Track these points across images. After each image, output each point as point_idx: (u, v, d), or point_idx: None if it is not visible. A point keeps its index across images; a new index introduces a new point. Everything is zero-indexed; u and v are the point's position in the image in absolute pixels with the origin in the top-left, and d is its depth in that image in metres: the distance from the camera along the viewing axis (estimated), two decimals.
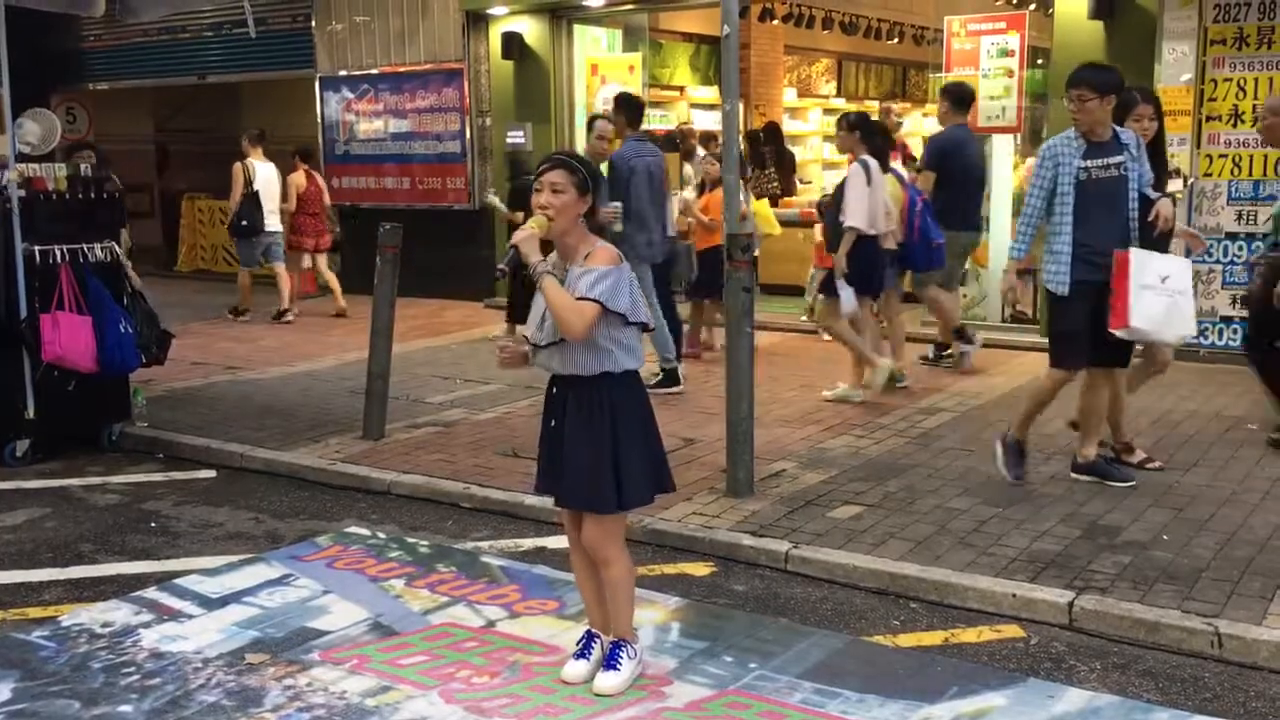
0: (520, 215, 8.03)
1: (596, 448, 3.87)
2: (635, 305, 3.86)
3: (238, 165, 12.03)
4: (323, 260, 12.72)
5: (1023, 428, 6.16)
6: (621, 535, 4.07)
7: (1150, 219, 5.80)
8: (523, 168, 11.44)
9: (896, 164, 7.93)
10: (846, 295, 7.74)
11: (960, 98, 9.13)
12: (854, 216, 7.63)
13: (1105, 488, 5.97)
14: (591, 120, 7.95)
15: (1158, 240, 5.88)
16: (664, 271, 8.69)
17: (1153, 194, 5.91)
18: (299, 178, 12.44)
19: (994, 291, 11.01)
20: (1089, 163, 5.77)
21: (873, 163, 7.64)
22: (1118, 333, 5.77)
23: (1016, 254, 6.12)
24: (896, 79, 20.36)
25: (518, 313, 10.16)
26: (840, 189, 7.87)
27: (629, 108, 8.49)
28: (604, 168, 7.95)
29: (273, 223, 12.07)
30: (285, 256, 12.28)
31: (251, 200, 11.92)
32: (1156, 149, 6.30)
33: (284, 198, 12.30)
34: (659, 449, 4.07)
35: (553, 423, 3.98)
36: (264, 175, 12.06)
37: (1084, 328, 5.84)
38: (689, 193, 10.06)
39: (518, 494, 6.00)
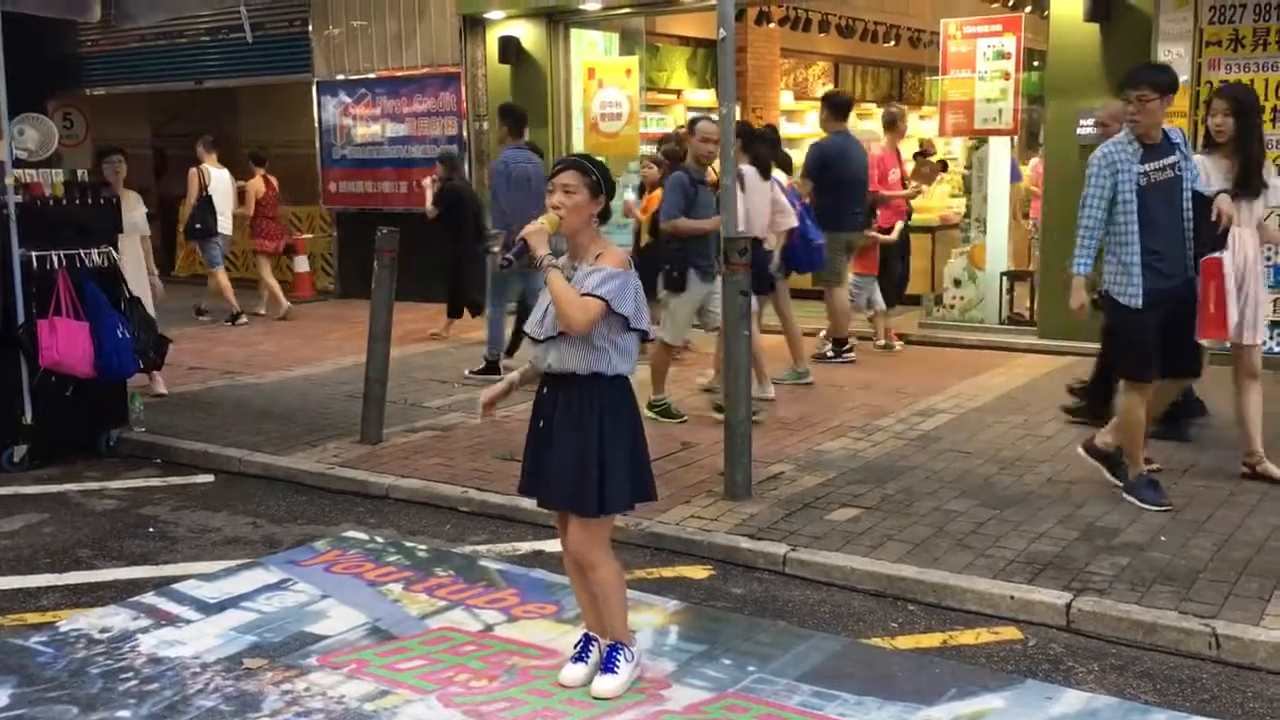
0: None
1: (582, 448, 3.87)
2: (638, 311, 3.88)
3: (193, 170, 12.29)
4: (269, 264, 13.04)
5: (1136, 461, 5.82)
6: (607, 539, 4.07)
7: (1214, 218, 5.63)
8: (456, 170, 11.68)
9: (775, 173, 8.36)
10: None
11: (839, 105, 9.73)
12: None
13: (1103, 489, 5.97)
14: (693, 123, 7.55)
15: (1219, 238, 5.72)
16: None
17: (1208, 190, 5.74)
18: (257, 183, 12.74)
19: (991, 293, 11.04)
20: (1147, 166, 5.56)
21: (749, 170, 7.95)
22: (1207, 341, 5.66)
23: (1083, 269, 5.67)
24: (893, 82, 20.36)
25: (457, 309, 10.92)
26: None
27: (511, 117, 9.20)
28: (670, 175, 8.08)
29: (225, 226, 12.31)
30: (256, 260, 12.74)
31: (205, 204, 12.15)
32: (1241, 147, 6.00)
33: (241, 202, 12.65)
34: (644, 456, 4.06)
35: (541, 423, 4.00)
36: (218, 180, 12.30)
37: (1157, 338, 5.62)
38: (630, 194, 10.29)
39: (515, 497, 5.96)
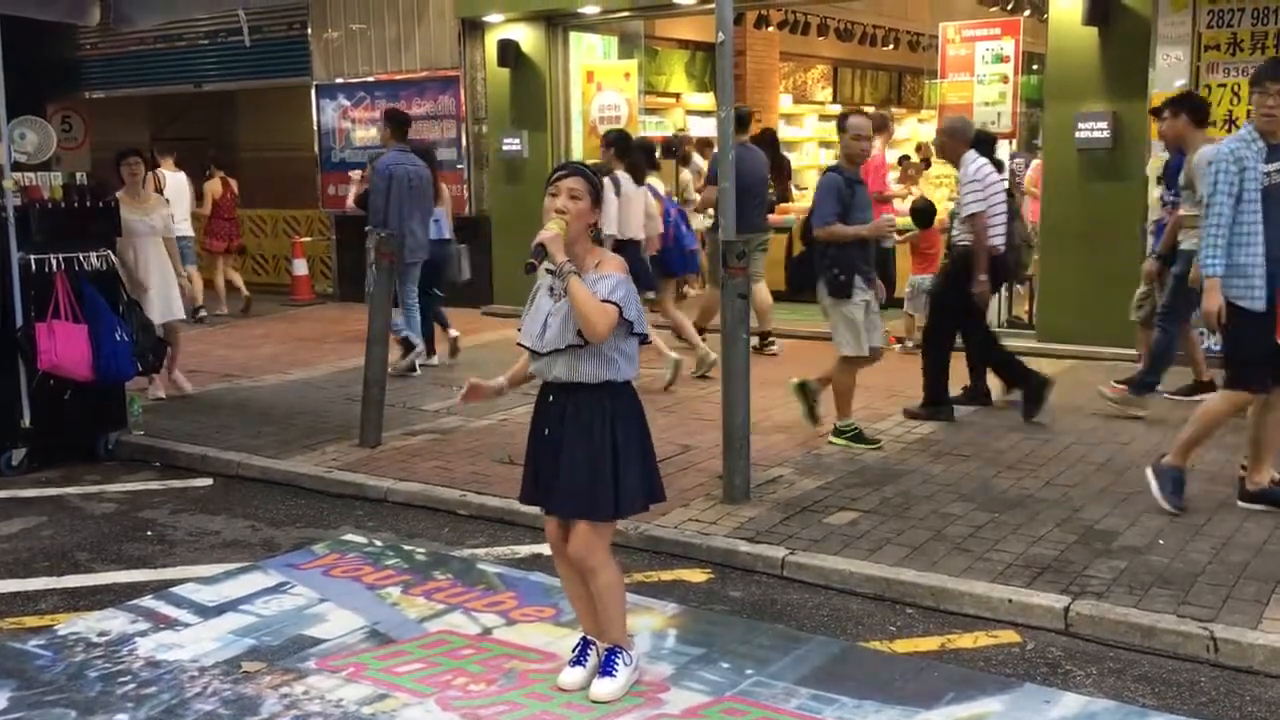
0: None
1: (596, 456, 3.87)
2: (640, 316, 3.89)
3: (150, 175, 12.27)
4: (224, 261, 13.56)
5: (1183, 455, 5.68)
6: (609, 543, 4.07)
7: None
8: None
9: (653, 180, 8.98)
10: None
11: (740, 118, 9.94)
12: (606, 225, 8.41)
13: (1104, 494, 5.98)
14: (843, 119, 7.25)
15: None
16: (432, 271, 9.70)
17: None
18: (215, 185, 13.28)
19: None
20: (1270, 167, 5.36)
21: (623, 176, 8.60)
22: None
23: (1215, 270, 5.38)
24: (892, 85, 20.40)
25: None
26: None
27: (395, 121, 9.58)
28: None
29: (183, 228, 12.38)
30: (199, 260, 13.00)
31: None
32: None
33: (199, 203, 13.19)
34: (653, 459, 4.08)
35: (546, 431, 3.97)
36: (174, 183, 12.50)
37: (1274, 345, 5.43)
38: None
39: (514, 501, 5.94)
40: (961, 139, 7.68)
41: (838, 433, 7.09)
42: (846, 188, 6.86)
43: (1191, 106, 7.56)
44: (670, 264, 9.20)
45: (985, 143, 7.95)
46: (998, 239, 7.55)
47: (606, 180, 8.36)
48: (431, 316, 9.94)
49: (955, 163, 7.76)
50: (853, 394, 7.16)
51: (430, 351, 9.86)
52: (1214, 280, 5.41)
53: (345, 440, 7.36)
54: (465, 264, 10.40)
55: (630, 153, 8.75)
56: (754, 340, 9.73)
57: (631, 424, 3.95)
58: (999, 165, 8.02)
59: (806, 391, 7.41)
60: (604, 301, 3.77)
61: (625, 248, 8.40)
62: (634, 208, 8.70)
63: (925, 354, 7.83)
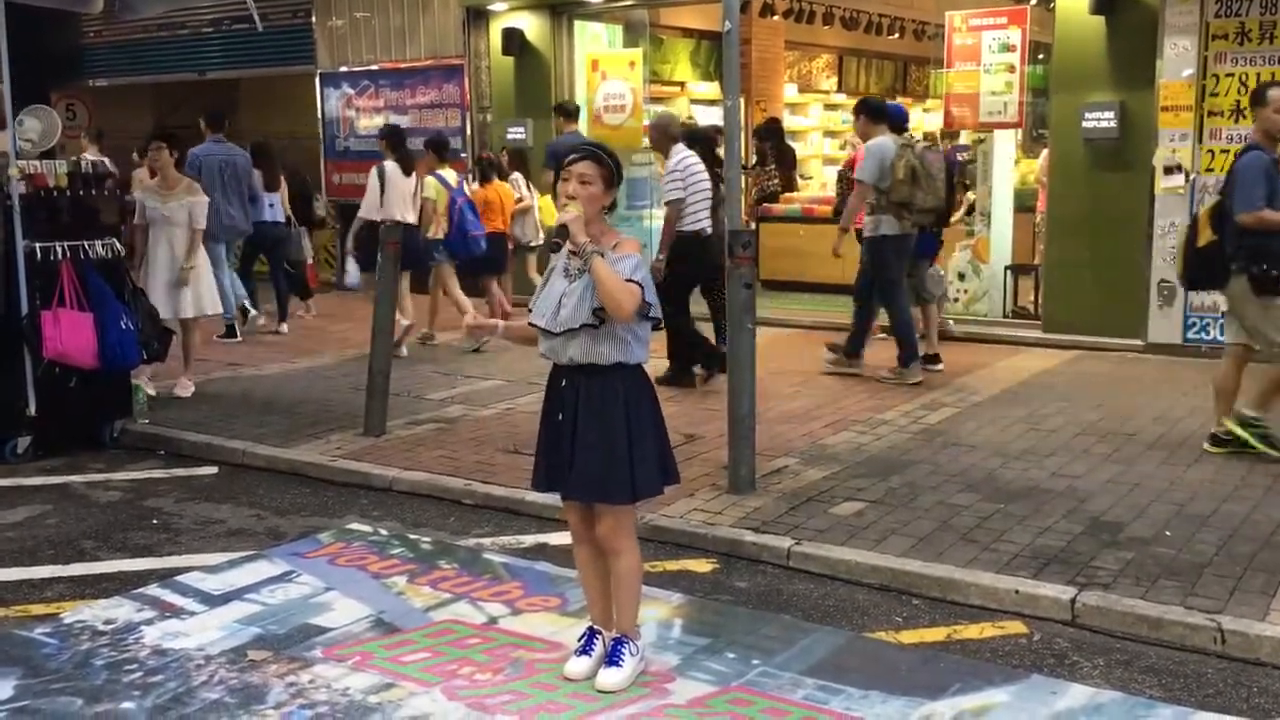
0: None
1: (611, 438, 3.86)
2: (654, 299, 3.88)
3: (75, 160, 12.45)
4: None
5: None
6: (633, 526, 4.09)
7: None
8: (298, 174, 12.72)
9: (443, 171, 10.06)
10: (352, 270, 10.33)
11: (567, 110, 11.39)
12: (365, 209, 9.85)
13: (1111, 484, 5.97)
14: (1261, 91, 6.51)
15: None
16: (272, 250, 11.35)
17: None
18: (143, 172, 12.98)
19: (994, 286, 11.03)
20: None
21: (389, 166, 9.79)
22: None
23: None
24: (898, 74, 20.33)
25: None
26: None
27: (208, 115, 10.82)
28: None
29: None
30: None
31: None
32: None
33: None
34: (666, 441, 4.09)
35: (559, 416, 3.95)
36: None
37: None
38: (475, 185, 11.04)
39: (519, 490, 5.99)
40: (668, 135, 8.51)
41: (1246, 426, 6.38)
42: (1274, 167, 6.19)
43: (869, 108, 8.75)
44: (453, 247, 10.05)
45: (704, 140, 8.91)
46: (703, 223, 8.30)
47: (373, 170, 9.98)
48: (284, 290, 11.37)
49: (665, 155, 8.51)
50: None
51: (281, 318, 11.29)
52: None
53: (350, 429, 7.35)
54: (307, 244, 11.90)
55: (402, 147, 10.03)
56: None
57: (645, 406, 3.96)
58: (718, 161, 8.35)
59: (1252, 425, 6.44)
60: (629, 280, 3.77)
61: (395, 230, 9.21)
62: (399, 195, 9.81)
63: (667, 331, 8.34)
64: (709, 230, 8.29)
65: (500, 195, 10.82)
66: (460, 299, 10.17)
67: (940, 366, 8.88)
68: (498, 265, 10.71)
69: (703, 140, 8.88)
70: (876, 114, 8.66)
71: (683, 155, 8.30)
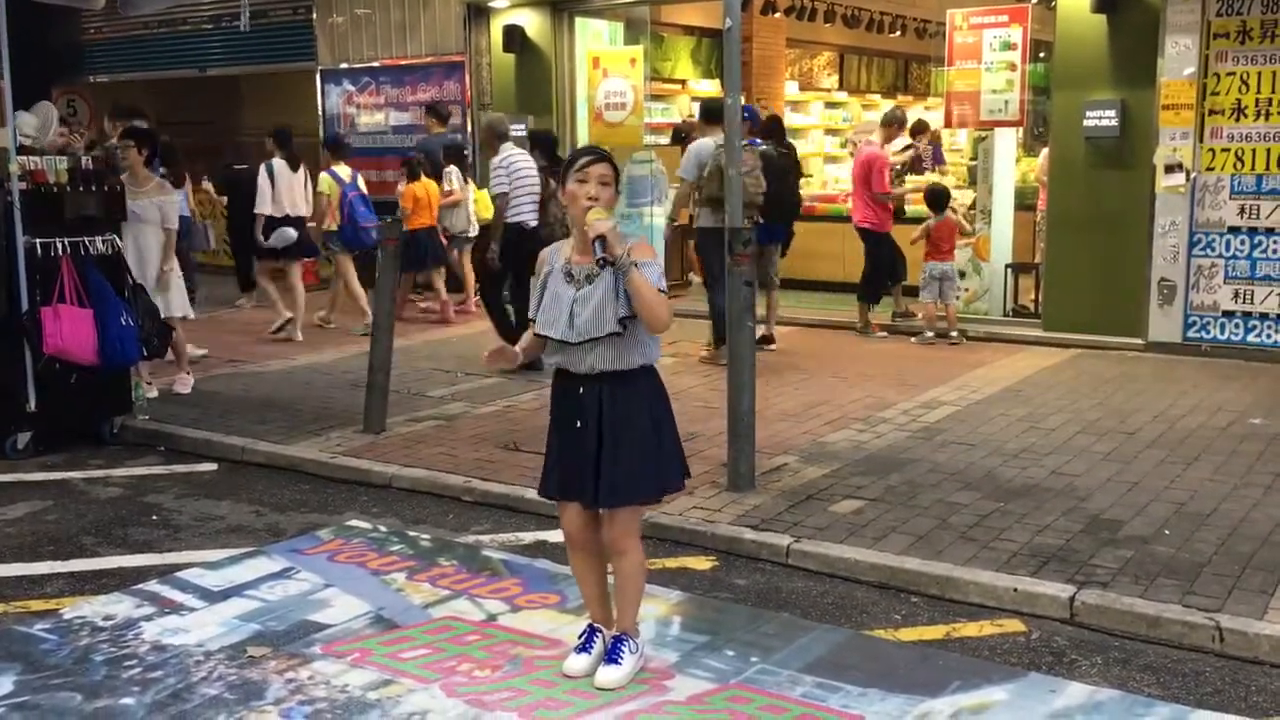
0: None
1: (644, 442, 3.87)
2: None
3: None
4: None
5: None
6: (640, 526, 4.10)
7: None
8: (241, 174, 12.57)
9: (338, 167, 10.91)
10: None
11: (440, 113, 12.23)
12: (259, 204, 10.55)
13: (1110, 483, 5.97)
14: None
15: None
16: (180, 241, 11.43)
17: None
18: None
19: (995, 285, 11.02)
20: None
21: (277, 163, 10.59)
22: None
23: None
24: (899, 72, 20.31)
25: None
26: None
27: (120, 116, 10.73)
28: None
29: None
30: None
31: None
32: None
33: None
34: (678, 436, 4.10)
35: (577, 424, 3.87)
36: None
37: None
38: (403, 185, 11.44)
39: (519, 488, 6.00)
40: (495, 135, 9.30)
41: None
42: None
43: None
44: (345, 238, 10.84)
45: (546, 141, 9.75)
46: (528, 215, 9.01)
47: (262, 167, 10.65)
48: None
49: (495, 153, 9.17)
50: None
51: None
52: None
53: (350, 426, 7.36)
54: (211, 236, 12.21)
55: (288, 145, 10.73)
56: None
57: (663, 404, 3.99)
58: (558, 161, 8.50)
59: None
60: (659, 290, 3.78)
61: (288, 222, 10.58)
62: (287, 189, 10.56)
63: (491, 316, 9.30)
64: (533, 223, 9.03)
65: (428, 191, 11.26)
66: (357, 290, 10.84)
67: (774, 347, 9.59)
68: (436, 257, 11.46)
69: (544, 142, 9.73)
70: (709, 115, 9.18)
71: (509, 153, 9.07)
